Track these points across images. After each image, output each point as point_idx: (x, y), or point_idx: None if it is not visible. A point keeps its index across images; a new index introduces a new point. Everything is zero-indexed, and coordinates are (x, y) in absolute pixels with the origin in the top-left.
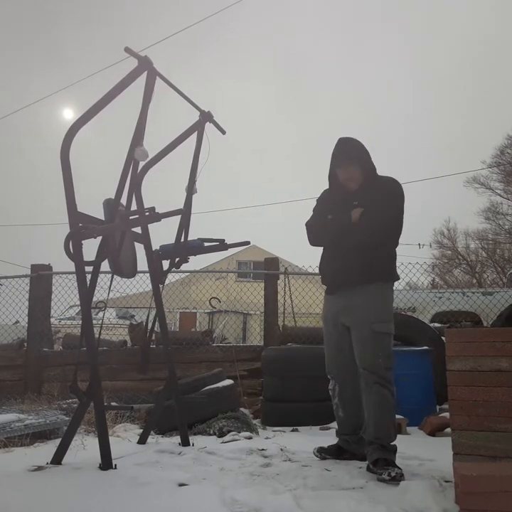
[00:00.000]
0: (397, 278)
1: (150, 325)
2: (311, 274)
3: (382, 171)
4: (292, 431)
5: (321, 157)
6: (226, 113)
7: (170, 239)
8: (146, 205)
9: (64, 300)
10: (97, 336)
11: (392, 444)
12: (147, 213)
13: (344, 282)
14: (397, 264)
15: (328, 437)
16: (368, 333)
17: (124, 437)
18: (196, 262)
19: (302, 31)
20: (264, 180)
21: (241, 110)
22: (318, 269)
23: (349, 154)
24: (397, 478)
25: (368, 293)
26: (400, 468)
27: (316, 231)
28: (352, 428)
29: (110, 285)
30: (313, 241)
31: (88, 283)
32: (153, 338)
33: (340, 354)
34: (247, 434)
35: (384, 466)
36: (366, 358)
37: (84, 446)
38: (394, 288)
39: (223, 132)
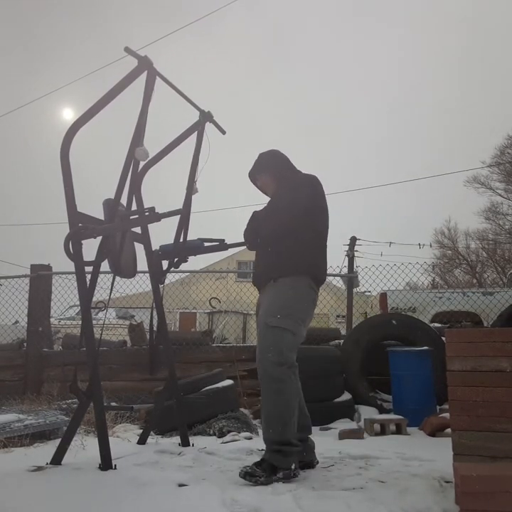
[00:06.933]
0: (304, 271)
1: (155, 325)
2: None
3: (382, 168)
4: None
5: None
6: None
7: (169, 239)
8: (146, 204)
9: (64, 300)
10: (97, 336)
11: (272, 449)
12: (147, 213)
13: (258, 280)
14: (397, 264)
15: (328, 437)
16: (262, 326)
17: (123, 438)
18: (196, 262)
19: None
20: None
21: (240, 107)
22: None
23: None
24: (258, 482)
25: (272, 288)
26: (279, 475)
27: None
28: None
29: (112, 286)
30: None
31: (88, 283)
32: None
33: None
34: (247, 434)
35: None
36: (258, 351)
37: (84, 447)
38: (393, 288)
39: (223, 132)
